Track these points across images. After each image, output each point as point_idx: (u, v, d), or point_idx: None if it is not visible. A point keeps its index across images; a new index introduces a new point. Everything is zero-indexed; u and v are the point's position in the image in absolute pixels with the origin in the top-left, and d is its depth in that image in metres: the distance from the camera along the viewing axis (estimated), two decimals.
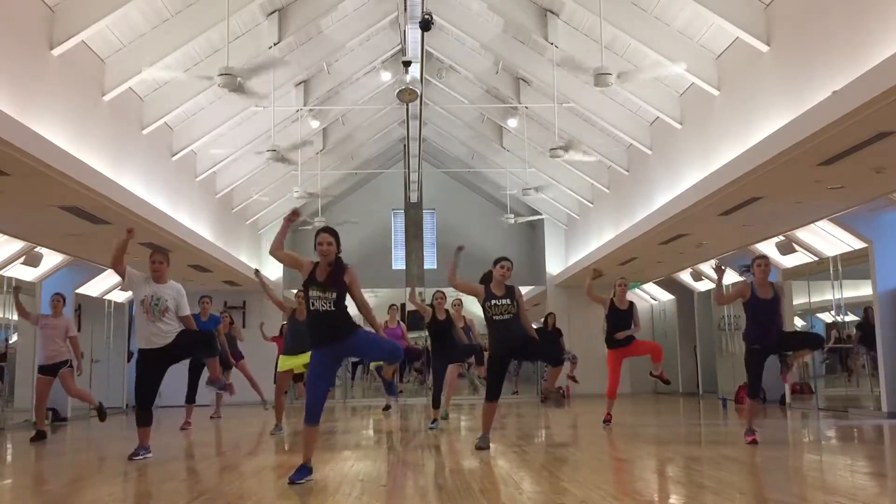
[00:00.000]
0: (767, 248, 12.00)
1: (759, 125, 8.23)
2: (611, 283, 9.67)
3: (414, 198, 19.49)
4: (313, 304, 5.31)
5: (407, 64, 11.57)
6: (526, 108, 14.05)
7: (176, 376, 6.92)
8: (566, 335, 15.21)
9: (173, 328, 6.74)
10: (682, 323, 16.99)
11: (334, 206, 20.25)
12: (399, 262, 20.78)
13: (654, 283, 17.50)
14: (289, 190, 14.45)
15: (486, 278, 7.25)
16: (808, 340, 7.62)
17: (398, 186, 20.03)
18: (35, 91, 7.70)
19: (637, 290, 17.82)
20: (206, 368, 8.50)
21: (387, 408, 12.44)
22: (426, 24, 10.26)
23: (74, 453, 8.21)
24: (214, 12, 9.38)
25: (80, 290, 13.05)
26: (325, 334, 5.35)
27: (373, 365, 11.94)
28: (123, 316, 15.40)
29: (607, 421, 9.20)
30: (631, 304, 9.60)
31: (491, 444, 7.13)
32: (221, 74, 8.23)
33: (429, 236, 21.09)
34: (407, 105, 12.83)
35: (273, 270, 18.33)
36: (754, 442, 6.98)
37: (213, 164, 13.14)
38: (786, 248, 11.46)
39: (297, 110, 13.75)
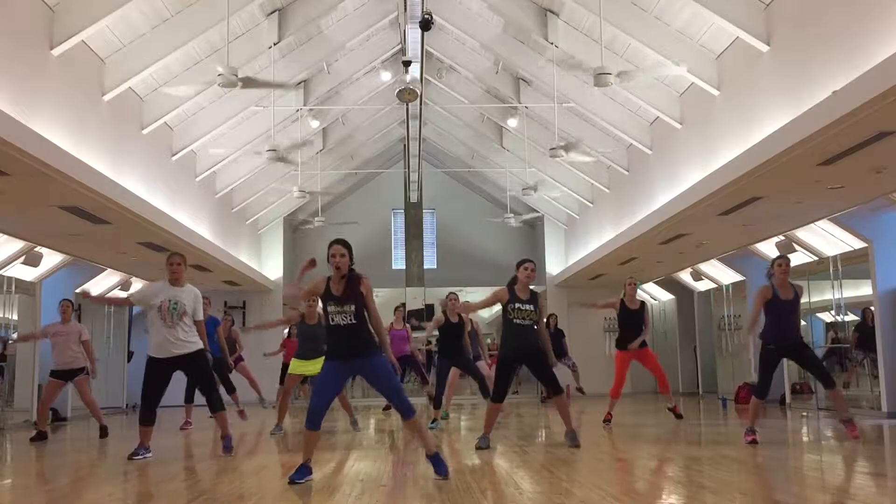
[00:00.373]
0: (767, 248, 12.01)
1: (759, 125, 8.23)
2: (615, 285, 9.62)
3: (414, 198, 19.51)
4: (333, 319, 5.27)
5: (407, 64, 11.57)
6: (526, 108, 14.05)
7: (175, 376, 6.91)
8: (566, 336, 15.22)
9: (189, 338, 6.76)
10: (682, 323, 17.00)
11: (334, 206, 20.25)
12: (399, 262, 20.79)
13: (654, 282, 17.51)
14: (289, 190, 14.45)
15: (513, 281, 7.15)
16: (819, 376, 7.41)
17: (398, 186, 20.04)
18: (35, 91, 7.70)
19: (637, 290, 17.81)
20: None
21: (387, 408, 12.44)
22: (426, 24, 10.26)
23: (74, 453, 8.21)
24: (214, 12, 9.38)
25: (80, 290, 13.04)
26: (346, 349, 5.30)
27: None
28: (123, 316, 15.40)
29: (607, 420, 9.20)
30: (642, 304, 9.56)
31: (491, 444, 7.13)
32: (221, 75, 8.24)
33: (429, 236, 21.09)
34: (407, 105, 12.84)
35: (273, 270, 18.35)
36: (754, 442, 6.99)
37: (213, 164, 13.14)
38: (786, 248, 11.45)
39: (297, 110, 13.75)
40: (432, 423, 9.27)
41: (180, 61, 10.35)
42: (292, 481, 5.15)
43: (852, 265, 10.69)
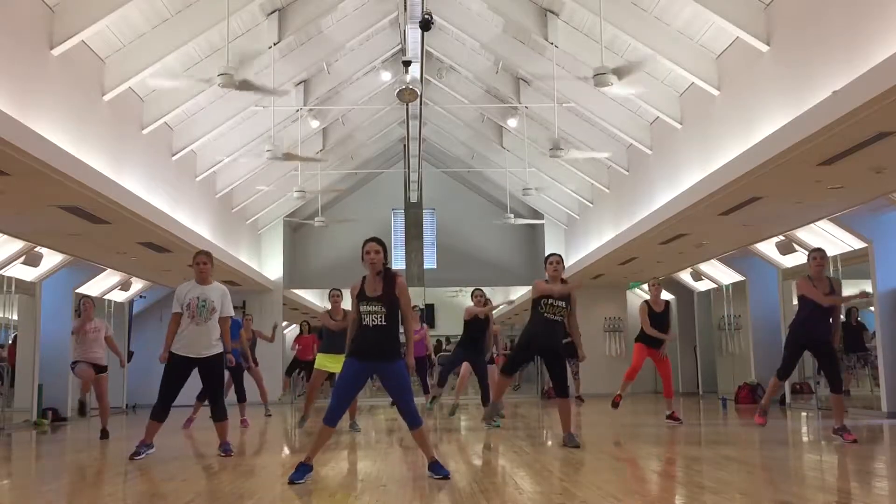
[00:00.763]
0: (767, 248, 12.01)
1: (759, 125, 8.22)
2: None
3: (414, 198, 19.51)
4: (364, 319, 5.27)
5: (407, 64, 11.58)
6: (526, 108, 14.05)
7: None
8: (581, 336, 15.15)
9: (215, 341, 6.77)
10: (682, 323, 16.99)
11: (334, 205, 20.25)
12: (399, 262, 20.78)
13: None
14: (289, 190, 14.45)
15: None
16: (831, 378, 7.36)
17: (398, 186, 20.04)
18: (35, 91, 7.69)
19: (637, 290, 17.84)
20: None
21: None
22: (426, 24, 10.26)
23: (74, 453, 8.21)
24: (214, 12, 9.37)
25: (80, 290, 13.05)
26: (374, 351, 5.29)
27: None
28: (123, 316, 15.39)
29: (616, 404, 9.25)
30: (667, 304, 9.52)
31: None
32: (221, 74, 8.23)
33: (429, 236, 21.11)
34: (407, 105, 12.84)
35: (273, 270, 18.35)
36: (763, 423, 6.96)
37: (213, 164, 13.14)
38: (786, 248, 11.46)
39: (297, 110, 13.75)
40: (430, 401, 10.15)
41: (180, 61, 10.35)
42: (292, 481, 5.15)
43: (852, 265, 10.69)
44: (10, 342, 11.78)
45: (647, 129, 12.28)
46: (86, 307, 9.26)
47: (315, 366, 9.24)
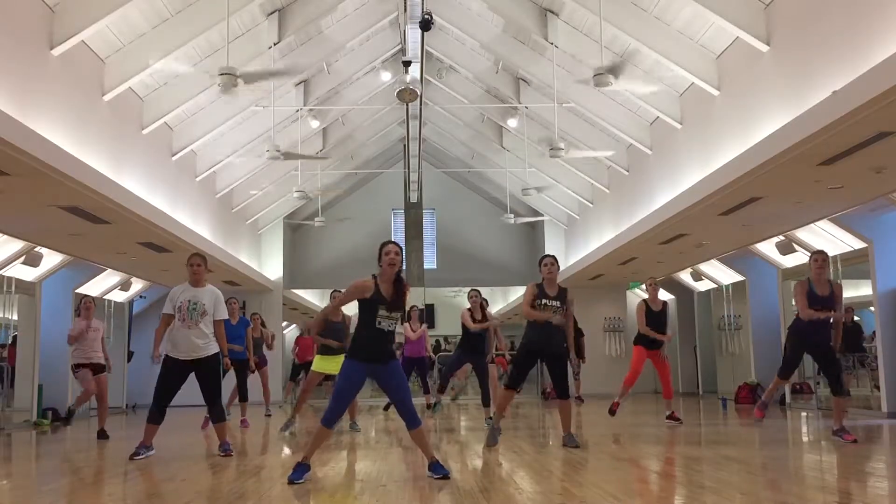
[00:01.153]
0: (767, 248, 12.01)
1: (759, 125, 8.23)
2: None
3: (414, 198, 19.49)
4: (380, 324, 5.31)
5: (407, 64, 11.58)
6: (526, 108, 14.05)
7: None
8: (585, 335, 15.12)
9: (207, 342, 6.76)
10: (682, 323, 17.00)
11: (334, 205, 20.25)
12: None
13: None
14: (289, 190, 14.45)
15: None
16: (832, 380, 7.32)
17: (398, 186, 20.03)
18: (35, 91, 7.70)
19: (637, 290, 17.83)
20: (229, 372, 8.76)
21: (387, 407, 12.43)
22: (426, 24, 10.26)
23: (74, 453, 8.21)
24: (214, 12, 9.38)
25: (80, 290, 13.05)
26: (381, 353, 5.37)
27: None
28: (123, 316, 15.40)
29: (613, 411, 9.22)
30: (664, 304, 9.44)
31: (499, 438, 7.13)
32: (223, 74, 8.22)
33: (429, 236, 21.09)
34: (407, 105, 12.84)
35: (273, 270, 18.35)
36: (762, 418, 6.94)
37: (212, 164, 13.14)
38: (786, 248, 11.45)
39: (297, 110, 13.75)
40: (434, 408, 10.38)
41: (180, 61, 10.33)
42: (291, 481, 5.15)
43: (852, 265, 10.69)
44: (10, 342, 11.78)
45: (647, 129, 12.29)
46: (87, 307, 9.26)
47: (312, 367, 9.15)
